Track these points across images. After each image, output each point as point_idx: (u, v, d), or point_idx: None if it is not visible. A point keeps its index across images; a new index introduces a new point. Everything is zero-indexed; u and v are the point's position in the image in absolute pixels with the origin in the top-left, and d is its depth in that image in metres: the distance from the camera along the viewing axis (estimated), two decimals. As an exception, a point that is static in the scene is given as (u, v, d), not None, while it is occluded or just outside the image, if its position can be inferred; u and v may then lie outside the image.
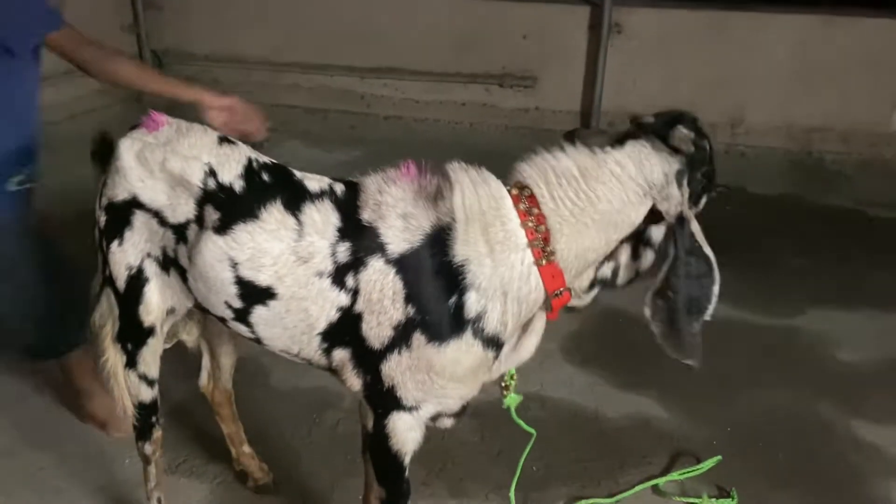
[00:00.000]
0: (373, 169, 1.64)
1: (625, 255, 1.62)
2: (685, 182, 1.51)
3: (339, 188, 1.63)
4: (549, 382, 2.90)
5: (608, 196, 1.51)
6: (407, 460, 1.72)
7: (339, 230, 1.56)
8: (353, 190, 1.62)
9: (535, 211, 1.51)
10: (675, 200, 1.51)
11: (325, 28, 6.06)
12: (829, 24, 5.16)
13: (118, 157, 1.69)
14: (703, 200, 1.61)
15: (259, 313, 1.62)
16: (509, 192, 1.55)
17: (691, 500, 2.32)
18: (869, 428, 2.66)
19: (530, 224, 1.51)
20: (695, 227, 1.52)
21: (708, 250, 1.54)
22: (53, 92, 5.68)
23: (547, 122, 5.74)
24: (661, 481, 2.39)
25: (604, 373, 2.98)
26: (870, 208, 4.74)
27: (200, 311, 1.86)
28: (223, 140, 1.69)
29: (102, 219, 1.76)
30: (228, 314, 1.67)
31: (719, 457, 2.45)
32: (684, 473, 2.42)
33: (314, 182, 1.63)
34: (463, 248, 1.50)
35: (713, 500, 2.31)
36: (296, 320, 1.60)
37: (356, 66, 6.06)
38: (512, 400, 1.84)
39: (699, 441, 2.60)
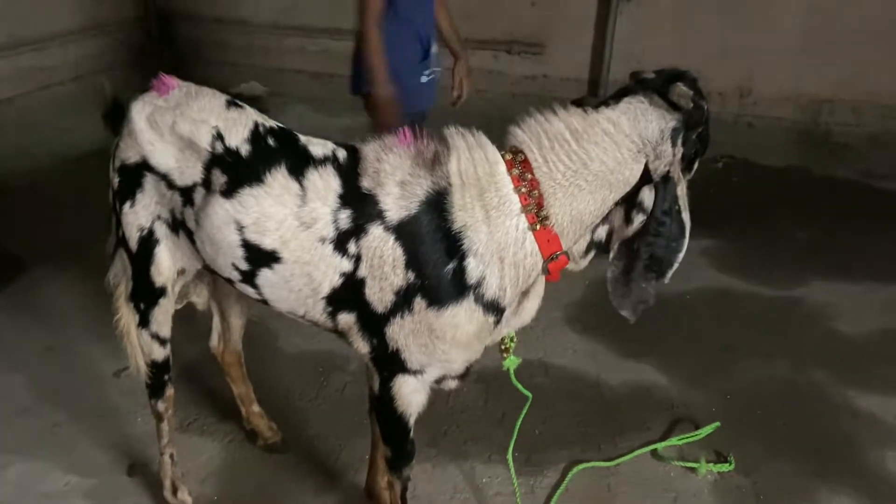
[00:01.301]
0: (372, 136, 1.66)
1: (618, 217, 1.62)
2: (680, 140, 1.50)
3: (342, 154, 1.65)
4: (551, 350, 2.95)
5: (601, 156, 1.52)
6: (412, 422, 1.78)
7: (341, 197, 1.59)
8: (355, 156, 1.64)
9: (529, 176, 1.53)
10: (666, 158, 1.51)
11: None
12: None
13: (130, 120, 1.71)
14: (695, 166, 1.61)
15: (265, 276, 1.66)
16: (503, 157, 1.57)
17: (689, 464, 2.37)
18: (865, 397, 2.71)
19: (523, 189, 1.53)
20: (680, 190, 1.52)
21: (686, 217, 1.55)
22: (60, 52, 5.75)
23: (555, 90, 5.70)
24: (659, 446, 2.45)
25: (606, 341, 3.02)
26: (877, 181, 4.74)
27: (210, 273, 1.89)
28: (231, 104, 1.71)
29: (116, 180, 1.79)
30: (236, 276, 1.71)
31: (717, 423, 2.51)
32: (683, 439, 2.47)
33: (318, 147, 1.66)
34: (461, 214, 1.53)
35: (710, 464, 2.36)
36: (300, 284, 1.64)
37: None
38: (511, 362, 1.87)
39: (698, 408, 2.65)
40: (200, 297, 2.06)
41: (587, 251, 1.68)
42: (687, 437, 2.48)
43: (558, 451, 2.43)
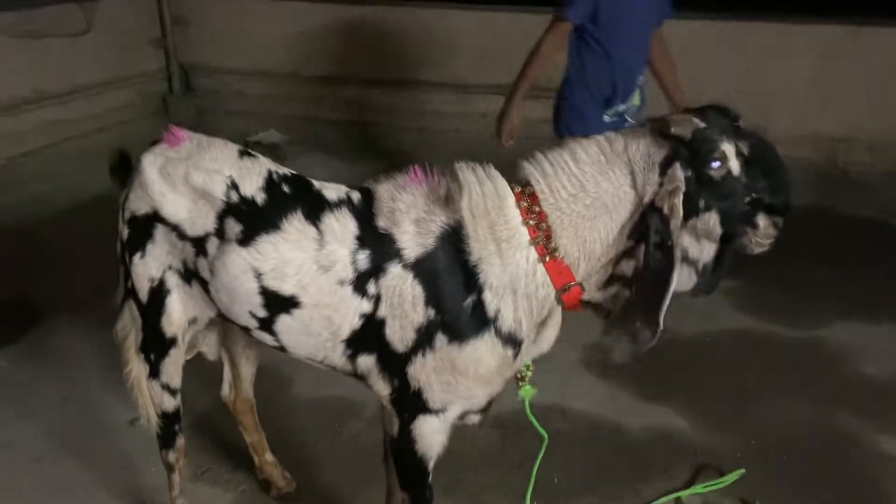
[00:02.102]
0: (384, 176, 1.67)
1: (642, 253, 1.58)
2: (673, 171, 1.46)
3: (356, 196, 1.67)
4: (569, 394, 2.89)
5: (596, 177, 1.52)
6: (431, 465, 1.75)
7: (358, 238, 1.60)
8: (369, 197, 1.66)
9: (537, 209, 1.54)
10: (651, 187, 1.48)
11: (347, 42, 6.14)
12: (854, 34, 5.13)
13: (141, 172, 1.73)
14: (717, 217, 1.49)
15: (284, 321, 1.65)
16: (513, 189, 1.58)
17: (714, 513, 2.30)
18: (892, 441, 2.62)
19: (531, 222, 1.54)
20: (674, 225, 1.45)
21: (678, 259, 1.48)
22: (85, 105, 5.89)
23: (569, 134, 5.75)
24: (684, 494, 2.38)
25: (625, 384, 2.96)
26: (896, 219, 4.68)
27: (222, 321, 1.89)
28: (244, 153, 1.73)
29: (125, 232, 1.80)
30: (253, 324, 1.70)
31: (743, 470, 2.43)
32: (708, 486, 2.40)
33: (332, 191, 1.68)
34: (476, 246, 1.53)
35: (736, 513, 2.29)
36: (320, 328, 1.63)
37: (377, 79, 6.13)
38: (527, 392, 1.85)
39: (722, 454, 2.58)
40: (210, 348, 2.05)
41: (607, 284, 1.64)
42: (712, 485, 2.40)
43: (579, 500, 2.37)
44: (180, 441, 2.01)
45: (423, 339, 1.57)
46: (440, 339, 1.56)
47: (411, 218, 1.58)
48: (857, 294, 3.70)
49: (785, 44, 5.19)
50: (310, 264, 1.60)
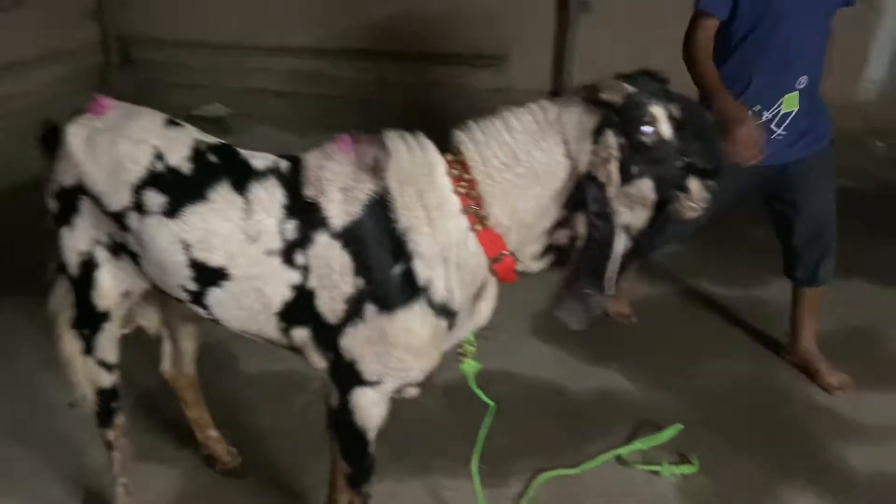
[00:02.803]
0: (313, 145, 1.66)
1: (582, 224, 1.58)
2: (603, 139, 1.46)
3: (284, 165, 1.65)
4: (516, 358, 2.94)
5: (528, 145, 1.53)
6: (371, 436, 1.76)
7: (286, 207, 1.59)
8: (297, 166, 1.64)
9: (467, 176, 1.54)
10: (584, 156, 1.49)
11: (294, 9, 6.01)
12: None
13: (65, 143, 1.69)
14: (651, 184, 1.49)
15: (214, 294, 1.64)
16: (445, 157, 1.58)
17: (653, 467, 2.37)
18: (825, 393, 2.73)
19: (462, 190, 1.54)
20: (611, 192, 1.47)
21: (618, 227, 1.50)
22: (18, 80, 5.67)
23: (518, 102, 5.71)
24: (623, 451, 2.44)
25: (572, 348, 3.02)
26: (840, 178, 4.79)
27: (159, 294, 1.86)
28: (170, 123, 1.70)
29: (53, 205, 1.76)
30: (185, 296, 1.68)
31: (680, 425, 2.51)
32: (646, 442, 2.47)
33: (259, 160, 1.65)
34: (404, 213, 1.54)
35: (673, 466, 2.36)
36: (250, 300, 1.62)
37: (325, 48, 6.02)
38: (470, 366, 1.87)
39: (663, 411, 2.65)
40: (149, 321, 2.02)
41: (543, 254, 1.64)
42: (649, 440, 2.47)
43: (523, 461, 2.41)
44: (119, 419, 1.99)
45: (354, 311, 1.57)
46: (370, 309, 1.56)
47: (338, 186, 1.57)
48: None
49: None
50: (237, 234, 1.59)
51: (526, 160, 1.53)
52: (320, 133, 5.66)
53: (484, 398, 2.03)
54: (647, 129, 1.47)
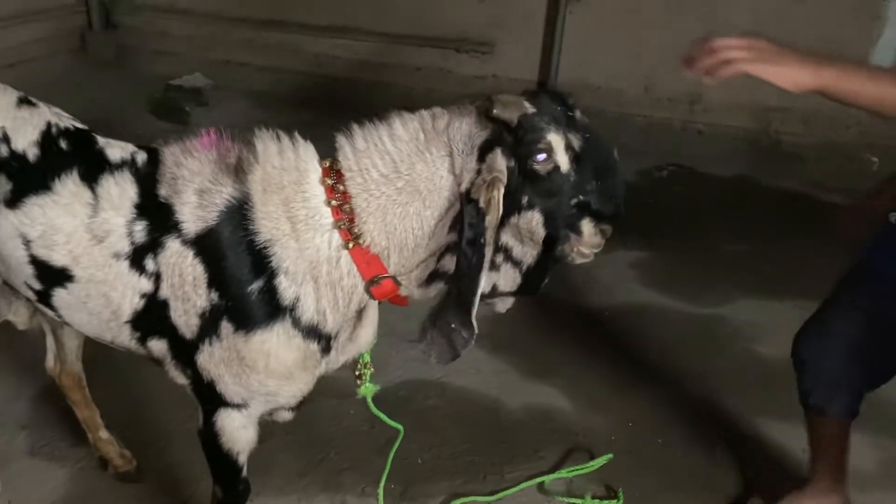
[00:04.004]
0: (179, 137, 1.50)
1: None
2: (490, 159, 1.30)
3: (142, 158, 1.49)
4: (453, 369, 2.76)
5: (411, 157, 1.36)
6: (241, 459, 1.62)
7: (137, 206, 1.43)
8: (155, 160, 1.48)
9: (341, 187, 1.38)
10: (468, 175, 1.32)
11: (279, -18, 5.82)
12: (796, 0, 4.97)
13: None
14: (541, 218, 1.35)
15: (60, 296, 1.50)
16: (322, 165, 1.41)
17: (574, 500, 2.22)
18: (774, 426, 2.56)
19: (334, 202, 1.38)
20: (489, 221, 1.31)
21: (487, 259, 1.34)
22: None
23: (504, 91, 5.54)
24: (547, 479, 2.29)
25: (514, 360, 2.87)
26: (823, 193, 4.60)
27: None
28: (23, 101, 1.54)
29: None
30: (32, 296, 1.55)
31: (610, 455, 2.35)
32: (573, 471, 2.32)
33: (117, 150, 1.50)
34: (265, 224, 1.37)
35: (597, 500, 2.22)
36: (98, 306, 1.48)
37: (310, 24, 5.83)
38: (367, 390, 1.73)
39: (598, 436, 2.50)
40: (19, 317, 1.86)
41: (429, 281, 1.48)
42: (577, 469, 2.32)
43: (439, 483, 2.27)
44: None
45: (208, 326, 1.42)
46: (226, 327, 1.41)
47: (194, 187, 1.41)
48: (766, 269, 3.63)
49: (724, 7, 5.01)
50: (82, 233, 1.44)
51: (407, 173, 1.37)
52: (298, 110, 5.54)
53: (388, 421, 1.89)
54: (540, 156, 1.31)
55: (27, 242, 1.46)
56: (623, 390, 2.73)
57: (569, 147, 1.33)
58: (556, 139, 1.32)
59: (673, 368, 2.88)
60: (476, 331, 1.37)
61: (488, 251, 1.33)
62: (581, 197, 1.35)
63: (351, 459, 2.33)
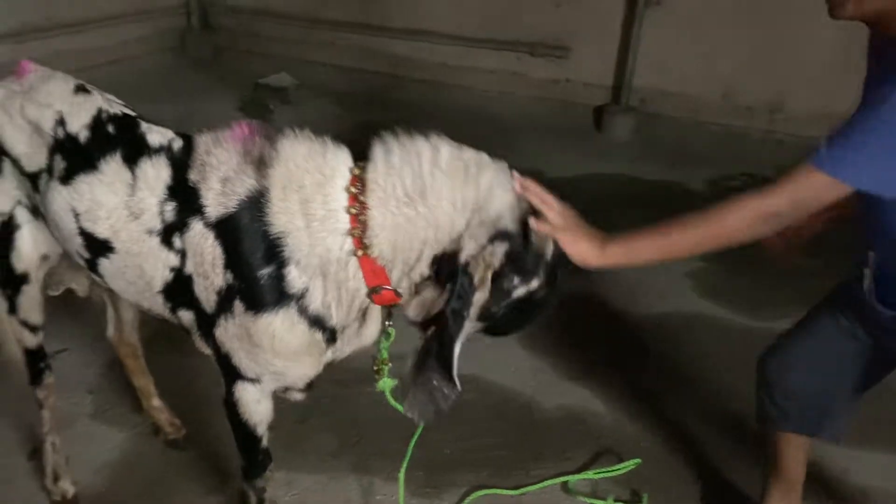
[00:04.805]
0: (213, 127, 1.62)
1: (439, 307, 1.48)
2: (500, 247, 1.41)
3: (178, 144, 1.62)
4: (490, 365, 2.82)
5: (444, 191, 1.41)
6: (259, 430, 1.74)
7: (169, 188, 1.57)
8: (188, 147, 1.60)
9: (362, 199, 1.44)
10: (474, 245, 1.41)
11: (362, -14, 6.01)
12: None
13: None
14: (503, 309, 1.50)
15: (104, 265, 1.66)
16: (353, 171, 1.48)
17: (596, 501, 2.23)
18: (815, 446, 2.47)
19: (353, 211, 1.44)
20: (478, 297, 1.42)
21: (462, 333, 1.42)
22: (98, 36, 5.93)
23: (578, 96, 5.55)
24: (572, 479, 2.31)
25: (551, 360, 2.89)
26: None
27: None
28: (79, 89, 1.71)
29: None
30: (82, 263, 1.71)
31: (638, 460, 2.35)
32: (599, 473, 2.33)
33: (157, 136, 1.63)
34: (280, 218, 1.46)
35: (619, 503, 2.22)
36: (134, 276, 1.63)
37: (388, 27, 5.99)
38: (385, 384, 1.79)
39: (630, 441, 2.49)
40: (79, 285, 2.06)
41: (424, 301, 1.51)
42: (603, 472, 2.33)
43: (464, 474, 2.33)
44: (49, 379, 2.04)
45: (224, 304, 1.54)
46: (238, 306, 1.52)
47: (219, 175, 1.52)
48: (830, 284, 3.48)
49: (808, 14, 4.79)
50: (121, 209, 1.59)
51: (435, 204, 1.42)
52: (374, 110, 5.70)
53: (397, 406, 1.95)
54: (523, 284, 1.48)
55: (76, 215, 1.62)
56: (661, 398, 2.71)
57: (532, 293, 1.49)
58: (535, 285, 1.48)
59: (717, 380, 2.83)
60: (459, 388, 1.43)
61: (468, 324, 1.43)
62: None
63: (382, 445, 2.42)
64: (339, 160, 1.51)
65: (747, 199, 1.51)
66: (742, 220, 1.51)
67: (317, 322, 1.52)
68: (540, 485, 2.29)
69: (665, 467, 2.38)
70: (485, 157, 1.49)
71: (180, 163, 1.57)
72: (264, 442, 1.76)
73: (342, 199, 1.46)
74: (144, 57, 6.34)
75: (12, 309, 1.90)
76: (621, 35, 5.28)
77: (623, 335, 3.10)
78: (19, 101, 1.68)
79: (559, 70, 5.58)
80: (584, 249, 1.50)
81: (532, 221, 1.45)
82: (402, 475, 2.15)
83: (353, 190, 1.46)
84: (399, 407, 1.92)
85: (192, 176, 1.55)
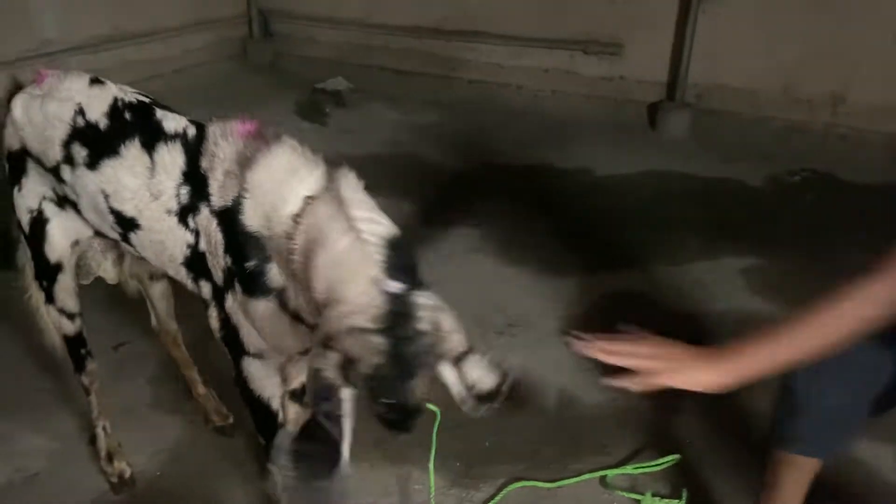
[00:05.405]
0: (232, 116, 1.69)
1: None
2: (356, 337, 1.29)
3: (192, 132, 1.71)
4: (536, 360, 2.84)
5: (335, 231, 1.39)
6: (274, 404, 1.80)
7: (184, 173, 1.67)
8: (201, 135, 1.69)
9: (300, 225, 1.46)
10: (330, 327, 1.31)
11: (416, -11, 6.09)
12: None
13: (10, 111, 1.88)
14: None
15: (133, 238, 1.79)
16: (306, 200, 1.47)
17: (634, 495, 2.22)
18: (866, 449, 2.39)
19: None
20: (345, 396, 1.32)
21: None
22: (164, 46, 6.19)
23: (631, 93, 5.48)
24: (610, 472, 2.30)
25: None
26: None
27: (113, 247, 2.05)
28: (94, 81, 1.83)
29: (6, 167, 1.96)
30: (117, 237, 1.84)
31: (678, 455, 2.32)
32: (639, 468, 2.31)
33: (172, 122, 1.73)
34: (253, 221, 1.54)
35: (658, 498, 2.20)
36: (159, 250, 1.74)
37: (442, 29, 6.05)
38: None
39: (673, 438, 2.46)
40: (107, 274, 2.18)
41: None
42: (642, 467, 2.31)
43: (501, 466, 2.34)
44: (91, 365, 2.16)
45: (228, 281, 1.63)
46: (237, 285, 1.62)
47: (223, 168, 1.61)
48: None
49: (873, 2, 4.64)
50: (143, 191, 1.70)
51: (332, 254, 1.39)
52: (428, 112, 5.76)
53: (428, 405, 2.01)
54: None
55: (106, 196, 1.75)
56: (707, 395, 2.65)
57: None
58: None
59: (766, 380, 2.75)
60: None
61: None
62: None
63: (421, 436, 2.44)
64: (303, 185, 1.50)
65: (867, 283, 1.31)
66: (865, 308, 1.28)
67: (297, 316, 1.58)
68: (577, 478, 2.29)
69: (706, 465, 2.34)
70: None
71: (193, 150, 1.67)
72: (281, 418, 1.83)
73: (288, 225, 1.48)
74: (208, 65, 6.58)
75: (49, 299, 2.03)
76: (675, 29, 5.19)
77: (672, 333, 3.04)
78: (39, 102, 1.82)
79: (612, 68, 5.53)
80: (701, 381, 1.39)
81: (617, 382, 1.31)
82: (431, 465, 2.19)
83: (297, 220, 1.47)
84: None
85: (203, 164, 1.64)
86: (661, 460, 2.32)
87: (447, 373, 1.38)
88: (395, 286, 1.32)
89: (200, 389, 2.44)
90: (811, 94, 4.91)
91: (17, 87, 1.97)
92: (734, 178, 4.54)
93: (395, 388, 1.30)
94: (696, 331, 3.07)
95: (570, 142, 5.13)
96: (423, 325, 1.30)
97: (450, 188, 4.40)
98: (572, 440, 2.46)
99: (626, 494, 2.23)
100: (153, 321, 2.35)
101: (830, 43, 4.76)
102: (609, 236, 3.81)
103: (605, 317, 3.16)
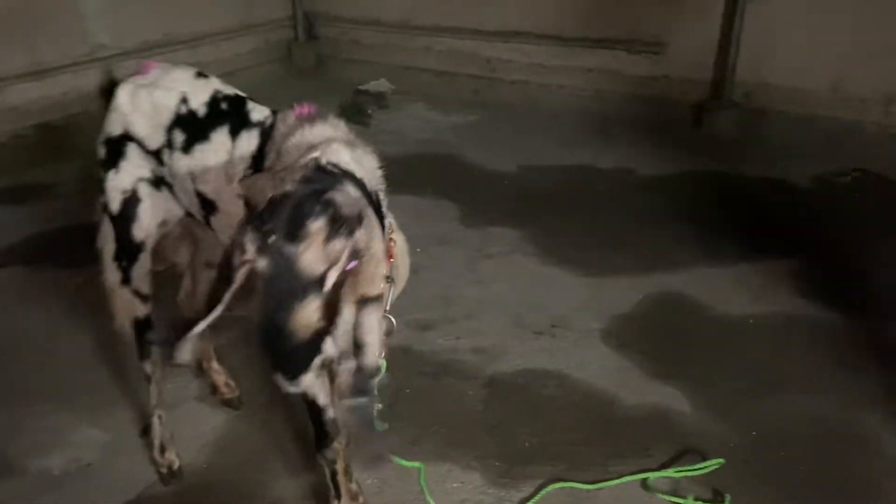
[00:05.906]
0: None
1: None
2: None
3: (270, 120, 1.82)
4: (576, 362, 2.84)
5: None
6: (320, 401, 1.88)
7: (254, 157, 1.77)
8: (274, 122, 1.80)
9: None
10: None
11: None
12: None
13: (115, 99, 1.99)
14: None
15: (213, 221, 1.90)
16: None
17: (676, 499, 2.20)
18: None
19: None
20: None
21: None
22: (213, 50, 6.34)
23: (675, 92, 5.42)
24: (652, 476, 2.28)
25: (638, 359, 2.86)
26: None
27: (190, 234, 2.18)
28: (199, 75, 1.98)
29: (101, 151, 2.05)
30: (202, 219, 1.96)
31: (721, 459, 2.30)
32: (681, 471, 2.29)
33: (258, 112, 1.85)
34: None
35: (700, 502, 2.17)
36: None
37: (483, 30, 6.06)
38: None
39: (715, 442, 2.43)
40: (182, 258, 2.29)
41: None
42: (684, 470, 2.29)
43: (541, 467, 2.35)
44: (154, 353, 2.23)
45: None
46: None
47: (275, 147, 1.71)
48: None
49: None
50: (221, 174, 1.80)
51: None
52: (469, 113, 5.76)
53: (405, 463, 2.17)
54: None
55: (193, 179, 1.87)
56: (751, 399, 2.63)
57: None
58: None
59: (811, 382, 2.71)
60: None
61: None
62: None
63: (461, 435, 2.48)
64: (342, 157, 1.55)
65: None
66: None
67: None
68: (617, 480, 2.27)
69: (750, 470, 2.31)
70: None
71: (266, 135, 1.78)
72: (329, 413, 1.89)
73: None
74: (255, 68, 6.70)
75: (126, 279, 2.10)
76: (721, 27, 5.11)
77: (713, 334, 3.02)
78: (147, 90, 1.94)
79: (655, 67, 5.47)
80: None
81: None
82: (423, 481, 2.23)
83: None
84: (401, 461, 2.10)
85: (267, 146, 1.75)
86: (704, 464, 2.29)
87: (346, 311, 1.40)
88: (332, 167, 1.43)
89: (214, 364, 2.58)
90: (862, 93, 4.78)
91: (111, 81, 2.07)
92: (781, 178, 4.45)
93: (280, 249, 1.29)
94: (738, 332, 3.03)
95: (612, 141, 5.09)
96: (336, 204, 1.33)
97: (491, 188, 4.41)
98: (613, 442, 2.45)
99: (667, 498, 2.21)
100: (181, 295, 2.46)
101: (882, 38, 4.63)
102: (651, 237, 3.78)
103: (646, 318, 3.14)
